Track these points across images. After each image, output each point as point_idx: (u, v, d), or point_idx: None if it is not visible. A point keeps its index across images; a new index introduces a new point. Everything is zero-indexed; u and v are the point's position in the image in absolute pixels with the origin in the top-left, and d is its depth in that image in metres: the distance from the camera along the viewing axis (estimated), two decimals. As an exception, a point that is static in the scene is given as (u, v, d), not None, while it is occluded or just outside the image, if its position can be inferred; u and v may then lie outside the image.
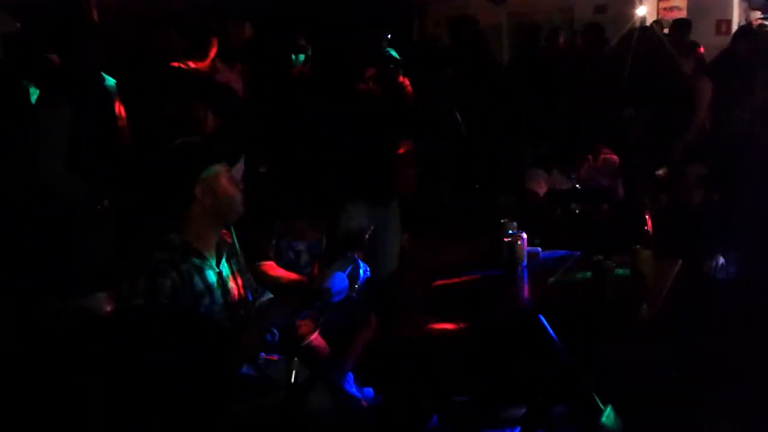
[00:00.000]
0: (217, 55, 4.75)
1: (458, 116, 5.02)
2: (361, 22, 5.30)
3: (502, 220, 3.42)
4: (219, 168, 2.33)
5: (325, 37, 4.91)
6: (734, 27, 7.71)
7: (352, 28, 4.47)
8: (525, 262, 3.27)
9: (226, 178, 2.35)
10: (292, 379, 2.12)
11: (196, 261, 2.28)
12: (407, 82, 3.70)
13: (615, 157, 4.61)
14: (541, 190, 4.32)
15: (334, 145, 3.63)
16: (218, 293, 2.30)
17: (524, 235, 3.28)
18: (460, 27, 6.77)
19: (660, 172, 5.40)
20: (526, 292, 3.23)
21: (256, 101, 4.54)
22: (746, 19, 7.90)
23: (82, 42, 3.70)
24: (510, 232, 3.31)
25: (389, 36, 4.71)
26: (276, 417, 2.09)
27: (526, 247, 3.29)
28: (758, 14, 7.64)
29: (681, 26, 6.73)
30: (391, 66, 3.76)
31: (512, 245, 3.24)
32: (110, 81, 3.88)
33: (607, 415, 2.79)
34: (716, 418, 3.00)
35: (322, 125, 3.66)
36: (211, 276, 2.30)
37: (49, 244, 3.26)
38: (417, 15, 8.97)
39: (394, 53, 4.45)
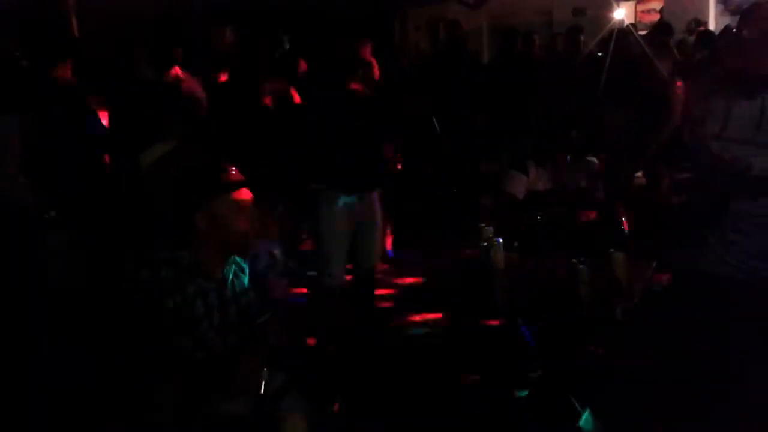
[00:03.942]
0: (201, 63, 4.73)
1: (435, 121, 5.03)
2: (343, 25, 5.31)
3: (480, 225, 3.43)
4: (226, 197, 2.18)
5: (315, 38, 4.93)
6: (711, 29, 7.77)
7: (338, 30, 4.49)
8: (502, 267, 3.28)
9: (234, 209, 2.19)
10: (262, 389, 2.10)
11: (203, 282, 2.20)
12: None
13: (594, 159, 4.62)
14: (520, 192, 4.31)
15: (317, 138, 3.69)
16: (217, 317, 2.22)
17: (500, 240, 3.28)
18: (442, 31, 6.81)
19: (639, 173, 5.43)
20: (502, 297, 3.23)
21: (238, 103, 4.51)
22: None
23: (52, 56, 3.59)
24: (487, 236, 3.32)
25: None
26: (244, 425, 2.07)
27: (503, 252, 3.30)
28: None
29: (661, 29, 6.79)
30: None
31: (488, 250, 3.24)
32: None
33: (585, 419, 2.79)
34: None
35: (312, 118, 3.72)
36: (214, 299, 2.22)
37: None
38: (398, 19, 8.98)
39: None
